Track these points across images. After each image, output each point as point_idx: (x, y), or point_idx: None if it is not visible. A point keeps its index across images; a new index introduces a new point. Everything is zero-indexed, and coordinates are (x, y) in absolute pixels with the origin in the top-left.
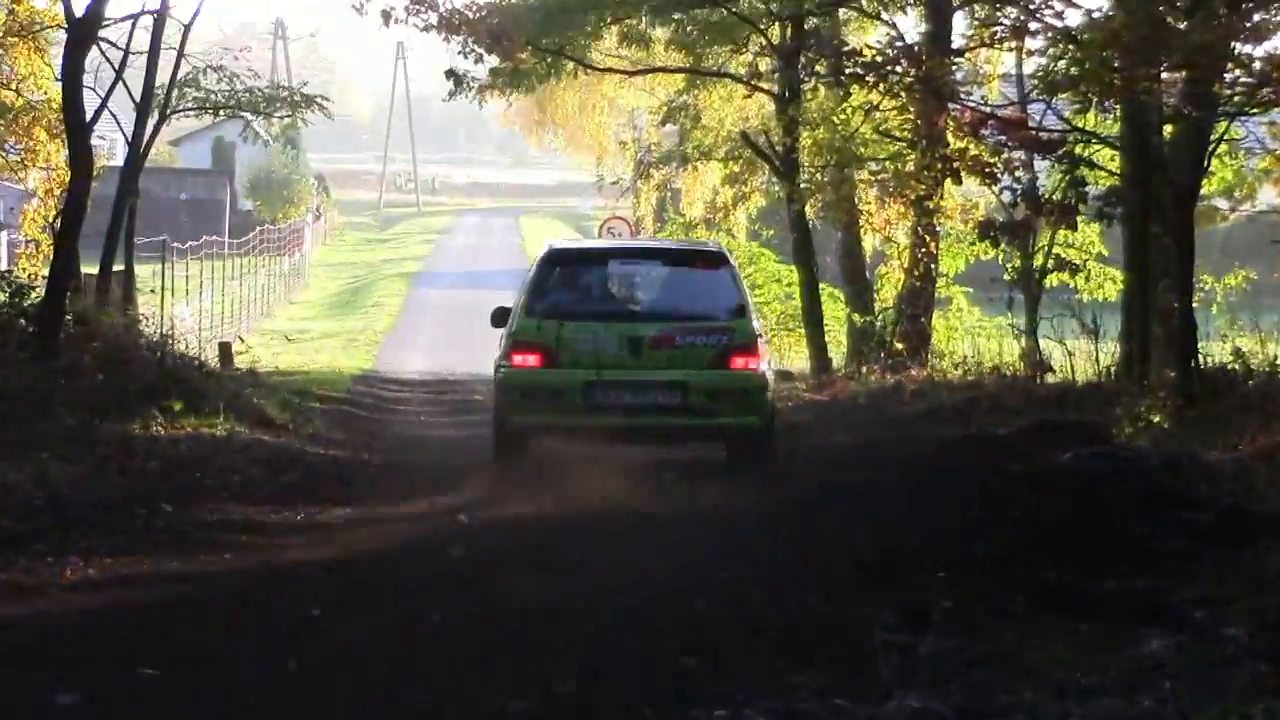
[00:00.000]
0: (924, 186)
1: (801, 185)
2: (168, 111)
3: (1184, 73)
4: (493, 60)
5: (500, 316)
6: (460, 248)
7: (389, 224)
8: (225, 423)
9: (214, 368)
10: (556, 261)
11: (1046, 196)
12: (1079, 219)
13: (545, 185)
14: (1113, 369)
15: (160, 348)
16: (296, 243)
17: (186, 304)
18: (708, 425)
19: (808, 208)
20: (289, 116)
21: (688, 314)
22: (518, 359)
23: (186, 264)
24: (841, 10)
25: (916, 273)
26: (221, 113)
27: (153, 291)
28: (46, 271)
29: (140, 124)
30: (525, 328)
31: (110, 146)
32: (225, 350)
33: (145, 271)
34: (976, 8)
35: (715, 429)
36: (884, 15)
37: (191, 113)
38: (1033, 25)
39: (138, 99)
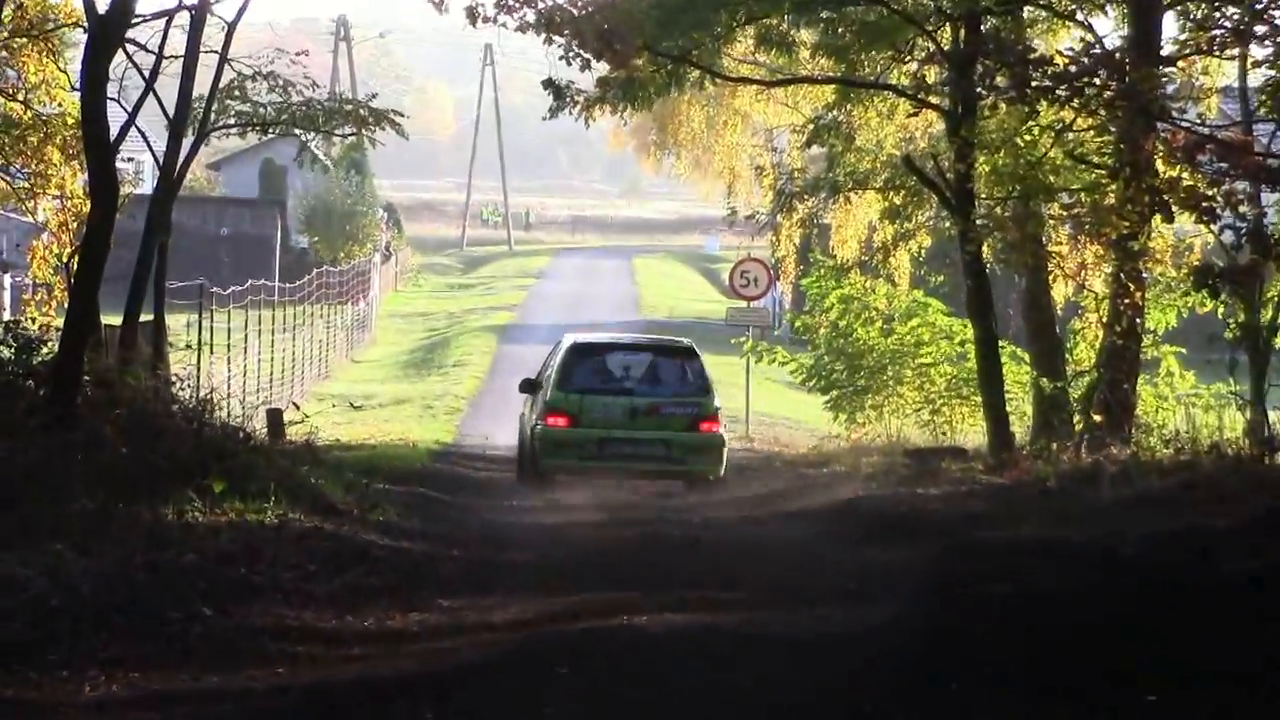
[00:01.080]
0: (1127, 224)
1: (978, 221)
2: (207, 129)
3: None
4: (602, 68)
5: (527, 385)
6: (561, 295)
7: (473, 265)
8: (276, 508)
9: (262, 440)
10: (579, 351)
11: (1277, 237)
12: None
13: (664, 220)
14: None
15: (197, 416)
16: (362, 288)
17: (229, 362)
18: (683, 471)
19: (985, 248)
20: (354, 135)
21: (669, 392)
22: (550, 420)
23: (229, 314)
24: (1026, 9)
25: (1118, 329)
26: (272, 130)
27: (188, 347)
28: (60, 322)
29: (174, 143)
30: (557, 397)
31: (138, 170)
32: (275, 419)
33: (178, 322)
34: (1190, 6)
35: (688, 473)
36: (1078, 15)
37: (235, 130)
38: (1259, 28)
39: (171, 113)
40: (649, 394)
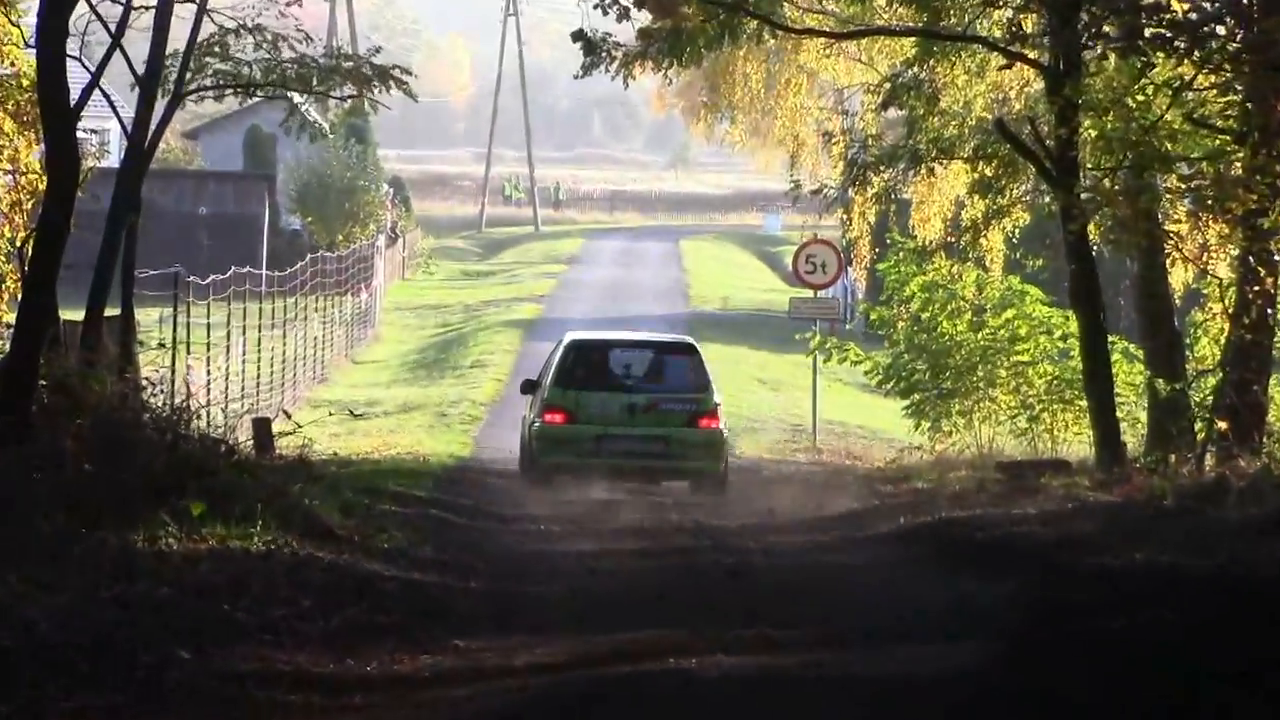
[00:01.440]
0: (1255, 198)
1: (1082, 196)
2: (183, 90)
3: None
4: (644, 18)
5: (528, 386)
6: (596, 284)
7: (494, 249)
8: (264, 533)
9: (247, 455)
10: (577, 348)
11: None
12: None
13: (716, 196)
14: None
15: (172, 426)
16: (364, 276)
17: (209, 364)
18: (681, 467)
19: (1091, 228)
20: (354, 97)
21: (668, 388)
22: (548, 417)
23: (208, 307)
24: None
25: (1246, 321)
26: (258, 92)
27: (161, 346)
28: (12, 319)
29: (144, 108)
30: (554, 394)
31: (103, 141)
32: (263, 430)
33: (150, 318)
34: None
35: (686, 470)
36: None
37: (216, 93)
38: None
39: (141, 73)
40: (647, 390)
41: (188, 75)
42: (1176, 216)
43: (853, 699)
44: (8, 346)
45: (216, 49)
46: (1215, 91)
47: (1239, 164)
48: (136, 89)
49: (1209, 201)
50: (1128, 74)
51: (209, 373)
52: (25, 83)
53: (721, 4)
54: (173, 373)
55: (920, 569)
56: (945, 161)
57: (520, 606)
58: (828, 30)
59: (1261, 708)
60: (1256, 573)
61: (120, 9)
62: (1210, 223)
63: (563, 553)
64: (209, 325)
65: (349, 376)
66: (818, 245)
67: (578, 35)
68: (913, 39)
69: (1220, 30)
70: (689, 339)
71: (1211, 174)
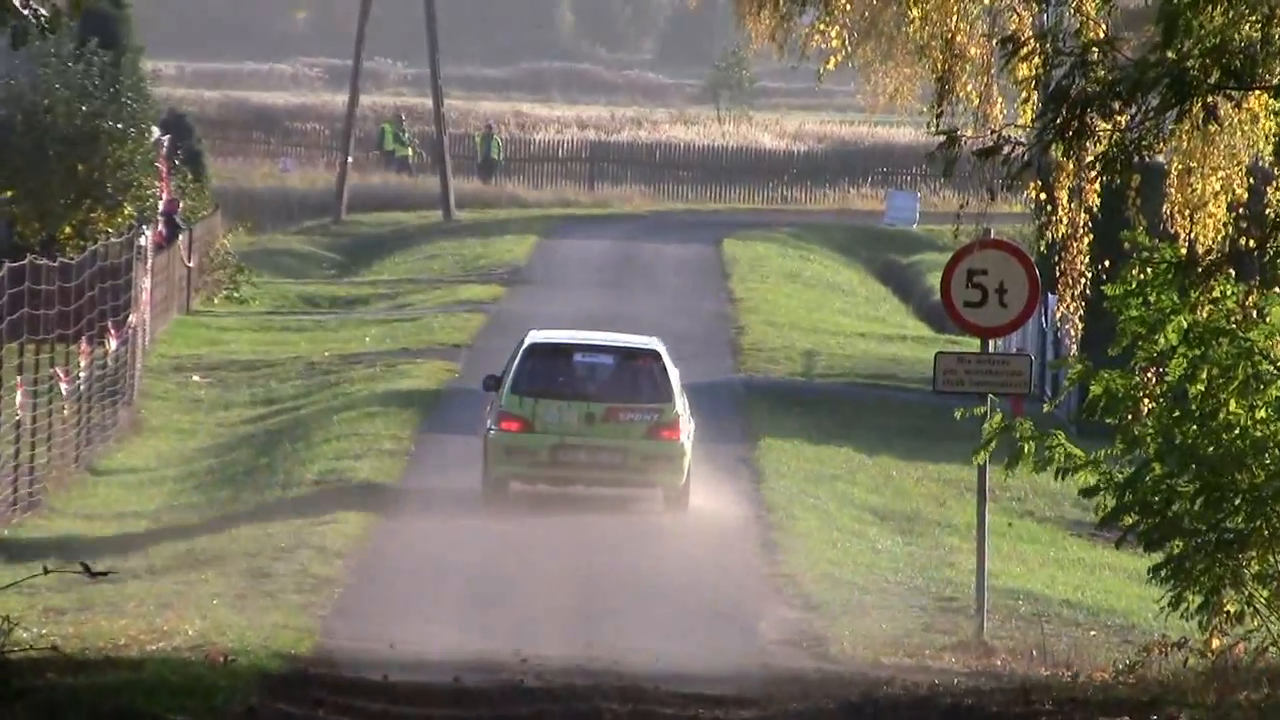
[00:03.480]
0: None
1: None
2: None
3: None
4: None
5: (491, 382)
6: (562, 327)
7: (364, 255)
8: None
9: None
10: (536, 352)
11: None
12: None
13: (795, 154)
14: None
15: None
16: (113, 306)
17: None
18: (642, 479)
19: None
20: None
21: (629, 397)
22: (504, 425)
23: None
24: None
25: None
26: None
27: None
28: None
29: None
30: (510, 401)
31: None
32: None
33: None
34: None
35: (647, 482)
36: None
37: None
38: None
39: None
40: (607, 398)
41: None
42: None
43: None
44: None
45: None
46: None
47: None
48: None
49: None
50: None
51: None
52: None
53: None
54: None
55: None
56: (1238, 94)
57: None
58: None
59: None
60: None
61: None
62: None
63: None
64: None
65: (83, 499)
66: (989, 252)
67: None
68: None
69: None
70: (655, 343)
71: None
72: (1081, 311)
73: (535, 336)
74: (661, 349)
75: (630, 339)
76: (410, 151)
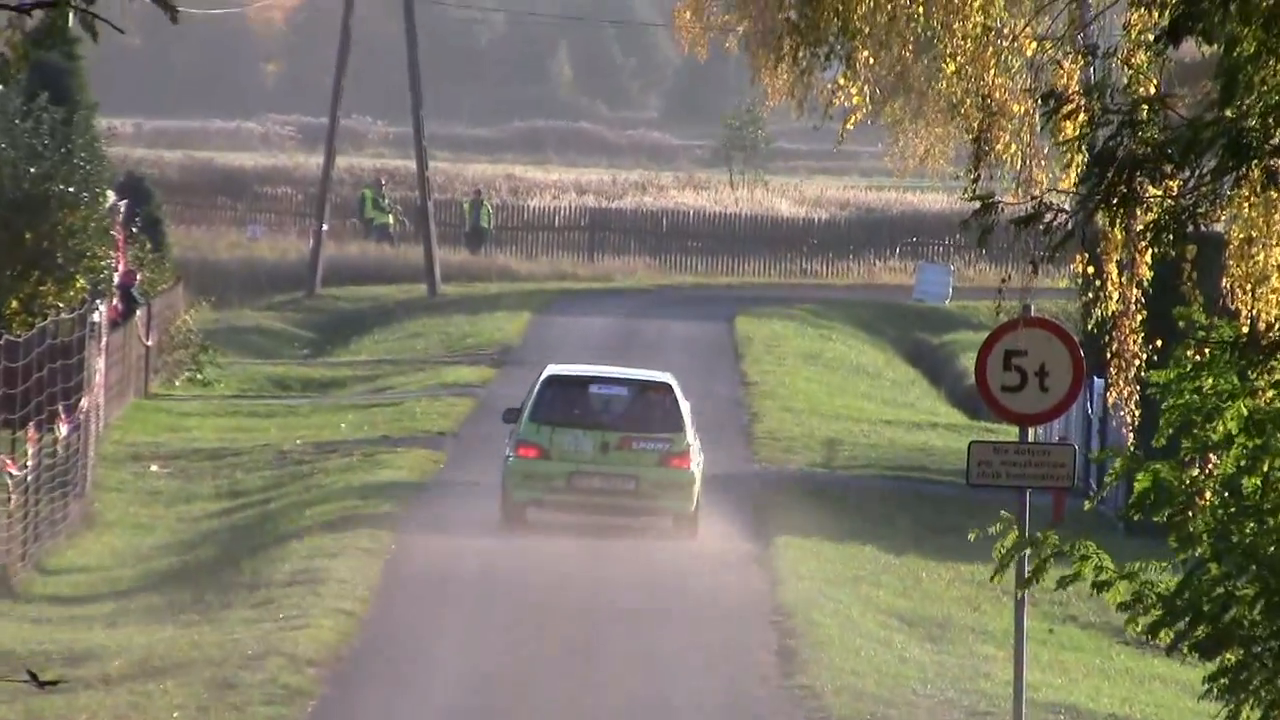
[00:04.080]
0: None
1: None
2: None
3: None
4: None
5: (511, 415)
6: None
7: (341, 333)
8: None
9: None
10: (554, 383)
11: None
12: None
13: (815, 222)
14: None
15: None
16: (64, 389)
17: None
18: (653, 506)
19: None
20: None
21: (642, 427)
22: (522, 452)
23: None
24: None
25: None
26: None
27: None
28: None
29: None
30: (529, 429)
31: None
32: None
33: None
34: None
35: (658, 509)
36: None
37: None
38: None
39: None
40: (621, 428)
41: None
42: None
43: None
44: None
45: None
46: None
47: None
48: None
49: None
50: None
51: None
52: None
53: None
54: None
55: None
56: None
57: None
58: None
59: None
60: None
61: None
62: None
63: None
64: None
65: (30, 600)
66: (1030, 331)
67: None
68: None
69: None
70: (667, 377)
71: None
72: (1136, 397)
73: (553, 369)
74: (673, 382)
75: (644, 373)
76: (391, 219)
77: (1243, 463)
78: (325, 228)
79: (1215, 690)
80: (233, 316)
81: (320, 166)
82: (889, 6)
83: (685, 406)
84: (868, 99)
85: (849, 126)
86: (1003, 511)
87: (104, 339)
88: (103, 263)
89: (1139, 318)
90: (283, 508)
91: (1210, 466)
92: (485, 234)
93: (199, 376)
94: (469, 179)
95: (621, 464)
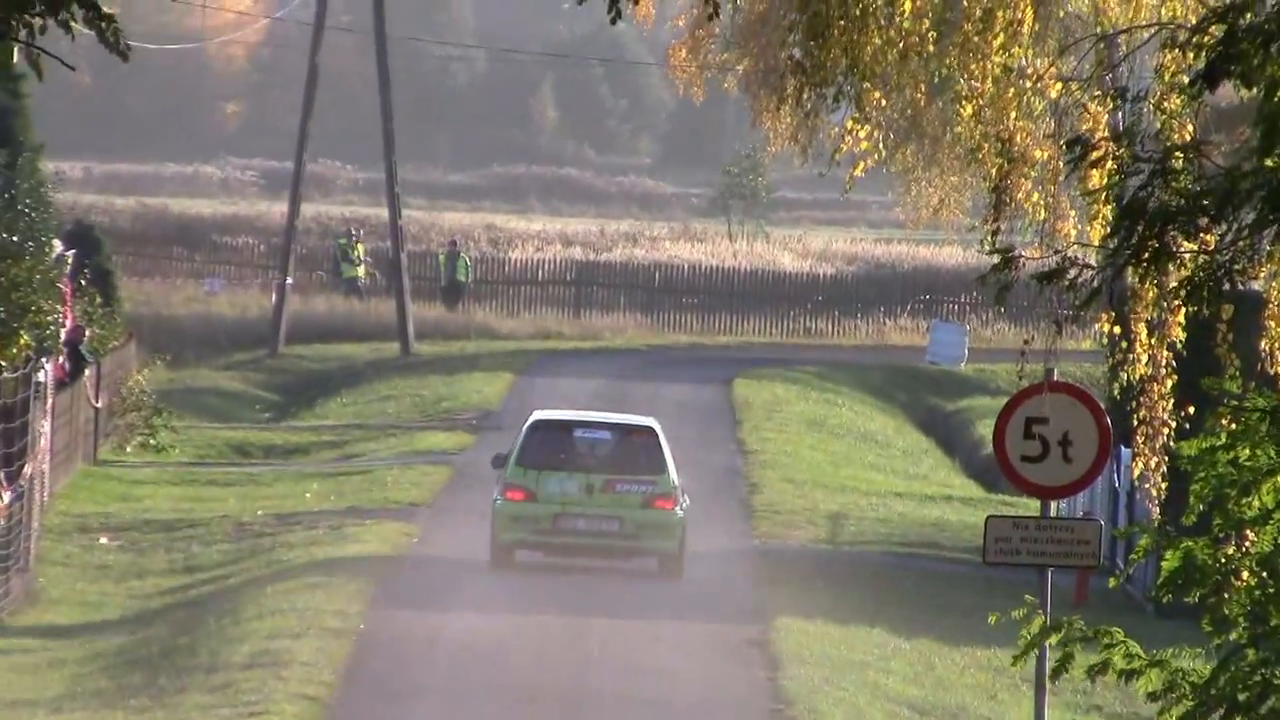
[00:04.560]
0: None
1: None
2: None
3: None
4: None
5: (499, 461)
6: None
7: (306, 394)
8: None
9: None
10: (540, 428)
11: None
12: None
13: (819, 278)
14: None
15: None
16: (8, 448)
17: None
18: (638, 547)
19: None
20: None
21: (626, 470)
22: (509, 494)
23: None
24: None
25: None
26: None
27: None
28: None
29: None
30: (515, 473)
31: None
32: None
33: None
34: None
35: (643, 550)
36: None
37: None
38: None
39: None
40: (605, 471)
41: None
42: None
43: None
44: None
45: None
46: None
47: None
48: None
49: None
50: None
51: None
52: None
53: None
54: None
55: None
56: None
57: None
58: None
59: None
60: None
61: None
62: None
63: None
64: None
65: None
66: (1052, 397)
67: None
68: None
69: None
70: (650, 421)
71: None
72: (1164, 468)
73: (540, 414)
74: (657, 427)
75: (627, 417)
76: (361, 271)
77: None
78: (289, 281)
79: None
80: (189, 376)
81: (284, 215)
82: (901, 44)
83: (668, 450)
84: (879, 144)
85: (858, 173)
86: (1027, 595)
87: (50, 400)
88: (49, 318)
89: (1169, 382)
90: (242, 584)
91: (1246, 544)
92: (463, 288)
93: (152, 441)
94: (445, 229)
95: (607, 506)
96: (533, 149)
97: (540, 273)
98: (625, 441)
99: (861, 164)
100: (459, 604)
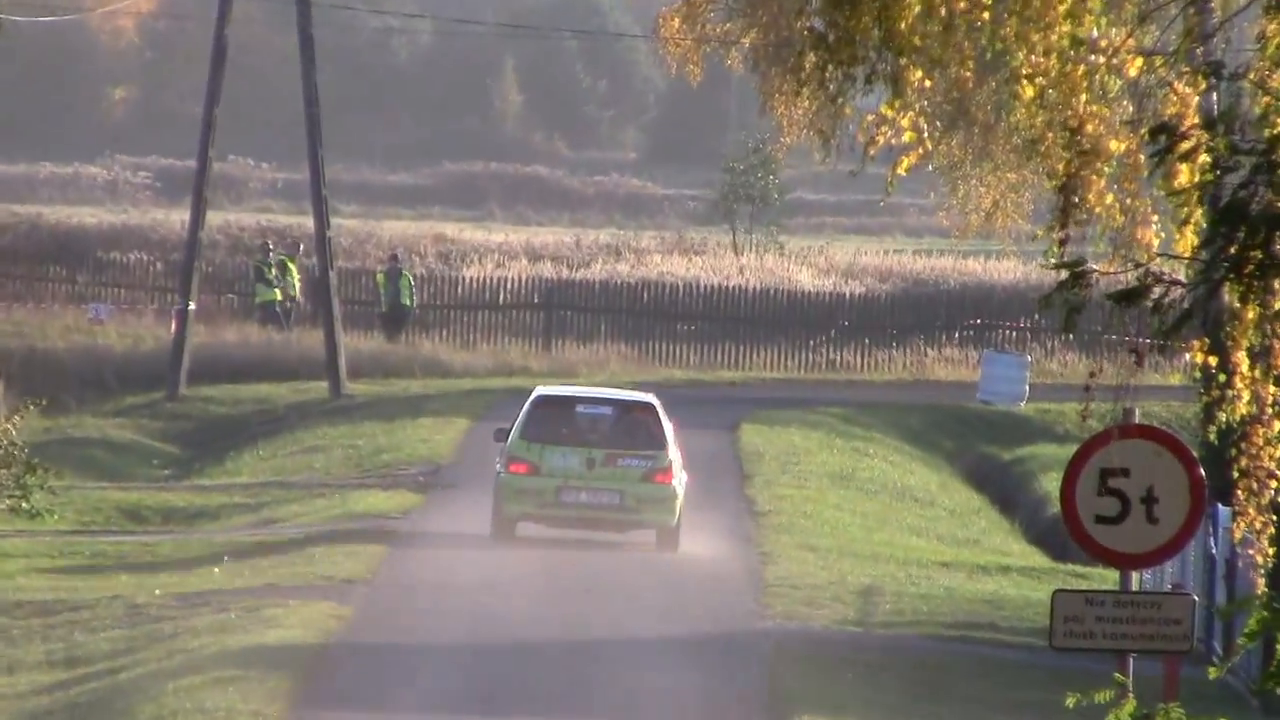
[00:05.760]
0: None
1: None
2: None
3: None
4: None
5: (501, 434)
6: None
7: (211, 446)
8: None
9: None
10: (542, 404)
11: None
12: None
13: (847, 299)
14: None
15: None
16: None
17: None
18: (637, 520)
19: None
20: None
21: (626, 444)
22: (513, 468)
23: None
24: None
25: None
26: None
27: None
28: None
29: None
30: (519, 446)
31: None
32: None
33: None
34: None
35: (642, 523)
36: None
37: None
38: None
39: None
40: (606, 445)
41: None
42: None
43: None
44: None
45: None
46: None
47: None
48: None
49: None
50: None
51: None
52: None
53: None
54: None
55: None
56: None
57: None
58: None
59: None
60: None
61: None
62: None
63: None
64: None
65: None
66: (1133, 443)
67: None
68: None
69: None
70: (650, 398)
71: None
72: (1272, 529)
73: (542, 390)
74: (657, 403)
75: (628, 393)
76: (279, 294)
77: None
78: (192, 306)
79: None
80: (70, 425)
81: (185, 225)
82: (944, 11)
83: (668, 426)
84: (924, 135)
85: (901, 171)
86: (1116, 675)
87: None
88: None
89: (1277, 425)
90: (136, 679)
91: None
92: (406, 314)
93: (24, 505)
94: (384, 241)
95: (607, 480)
96: (492, 142)
97: (502, 295)
98: (626, 417)
99: (905, 159)
100: (402, 703)
